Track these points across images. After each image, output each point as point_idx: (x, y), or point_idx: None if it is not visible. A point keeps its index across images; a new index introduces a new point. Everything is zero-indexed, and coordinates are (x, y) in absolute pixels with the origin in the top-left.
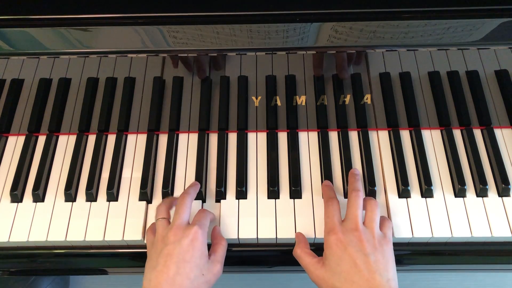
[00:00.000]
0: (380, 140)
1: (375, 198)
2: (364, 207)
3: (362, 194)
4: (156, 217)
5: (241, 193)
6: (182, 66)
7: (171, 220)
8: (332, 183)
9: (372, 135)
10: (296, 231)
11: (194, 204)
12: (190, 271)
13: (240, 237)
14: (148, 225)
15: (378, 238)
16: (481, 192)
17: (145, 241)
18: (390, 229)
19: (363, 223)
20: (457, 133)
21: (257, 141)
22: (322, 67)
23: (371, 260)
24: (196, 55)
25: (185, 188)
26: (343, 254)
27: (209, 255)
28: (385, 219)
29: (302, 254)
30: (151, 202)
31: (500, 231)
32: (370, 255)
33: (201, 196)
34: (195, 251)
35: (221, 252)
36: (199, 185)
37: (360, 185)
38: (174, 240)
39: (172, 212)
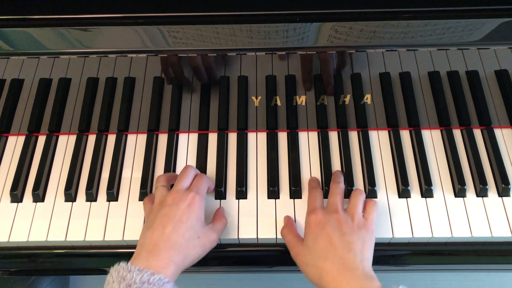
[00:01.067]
0: (380, 140)
1: (376, 198)
2: (350, 197)
3: (342, 186)
4: (155, 185)
5: (241, 193)
6: (182, 67)
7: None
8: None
9: (372, 135)
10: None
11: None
12: (185, 231)
13: (240, 237)
14: None
15: (358, 222)
16: (481, 192)
17: (143, 202)
18: (372, 213)
19: (346, 209)
20: (457, 133)
21: (257, 141)
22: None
23: (347, 239)
24: (196, 55)
25: None
26: (321, 232)
27: (209, 224)
28: (370, 202)
29: (287, 232)
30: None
31: (500, 231)
32: (346, 235)
33: None
34: (192, 214)
35: (220, 225)
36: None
37: (342, 179)
38: (172, 203)
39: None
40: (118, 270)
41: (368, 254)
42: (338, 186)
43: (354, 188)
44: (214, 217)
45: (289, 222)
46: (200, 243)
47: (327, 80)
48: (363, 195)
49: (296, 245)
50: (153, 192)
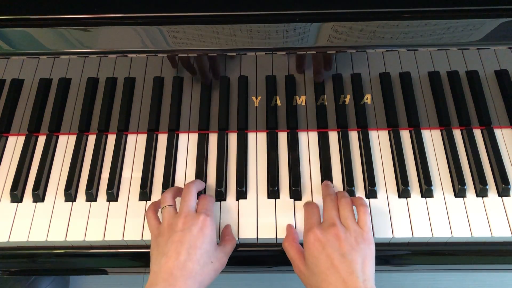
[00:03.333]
0: (380, 140)
1: (376, 198)
2: (338, 206)
3: (335, 198)
4: (161, 205)
5: (241, 193)
6: (182, 67)
7: (177, 208)
8: (332, 183)
9: (372, 135)
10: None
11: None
12: (200, 257)
13: (240, 237)
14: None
15: (355, 234)
16: (481, 192)
17: (145, 213)
18: (366, 221)
19: (341, 223)
20: (457, 133)
21: (257, 141)
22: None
23: (348, 260)
24: (196, 55)
25: None
26: (321, 254)
27: (219, 245)
28: (361, 209)
29: (289, 247)
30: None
31: (500, 231)
32: (347, 255)
33: None
34: (205, 238)
35: (229, 247)
36: (204, 184)
37: (332, 190)
38: (183, 227)
39: (177, 202)
40: None
41: (370, 272)
42: (331, 199)
43: (354, 189)
44: (223, 237)
45: (290, 234)
46: (213, 268)
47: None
48: (349, 201)
49: (298, 263)
50: (154, 203)
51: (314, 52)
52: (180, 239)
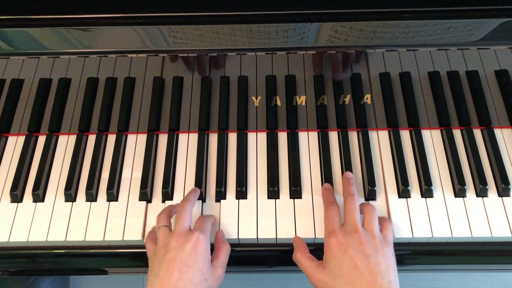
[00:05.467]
0: (380, 140)
1: (376, 198)
2: (362, 212)
3: (357, 198)
4: (157, 226)
5: (241, 193)
6: (183, 66)
7: (172, 228)
8: (332, 184)
9: (372, 135)
10: (296, 231)
11: (194, 206)
12: (193, 276)
13: (240, 237)
14: (148, 225)
15: (378, 240)
16: (481, 192)
17: (144, 241)
18: (390, 231)
19: (363, 225)
20: (457, 133)
21: (257, 141)
22: (322, 66)
23: (372, 262)
24: (196, 55)
25: (185, 189)
26: (344, 256)
27: (212, 260)
28: (386, 221)
29: (302, 258)
30: (151, 202)
31: (500, 231)
32: (371, 257)
33: (201, 196)
34: (198, 256)
35: (223, 258)
36: (199, 191)
37: (354, 189)
38: (176, 246)
39: (172, 220)
40: None
41: (394, 274)
42: (353, 200)
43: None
44: (215, 246)
45: (301, 245)
46: (207, 285)
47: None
48: (376, 211)
49: (317, 272)
50: (153, 229)
51: (314, 52)
52: (172, 258)
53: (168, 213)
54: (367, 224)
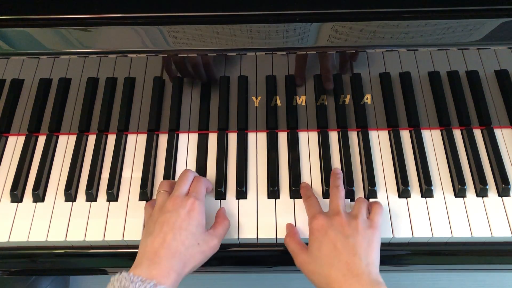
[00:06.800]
0: (380, 140)
1: (376, 198)
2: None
3: (342, 189)
4: (158, 190)
5: (241, 193)
6: (182, 67)
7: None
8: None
9: (372, 135)
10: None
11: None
12: (185, 238)
13: (240, 237)
14: None
15: (361, 221)
16: (481, 192)
17: (144, 207)
18: (378, 214)
19: (350, 212)
20: (457, 133)
21: (257, 141)
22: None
23: (351, 242)
24: (196, 55)
25: None
26: (324, 237)
27: (209, 229)
28: (375, 204)
29: (290, 241)
30: None
31: (500, 231)
32: (349, 237)
33: None
34: (192, 220)
35: (220, 229)
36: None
37: (341, 182)
38: (171, 209)
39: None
40: (120, 280)
41: (374, 257)
42: (338, 190)
43: (354, 189)
44: (215, 220)
45: (291, 230)
46: (200, 250)
47: (326, 76)
48: (366, 202)
49: (300, 253)
50: (155, 197)
51: (314, 52)
52: (167, 220)
53: (172, 183)
54: (354, 210)
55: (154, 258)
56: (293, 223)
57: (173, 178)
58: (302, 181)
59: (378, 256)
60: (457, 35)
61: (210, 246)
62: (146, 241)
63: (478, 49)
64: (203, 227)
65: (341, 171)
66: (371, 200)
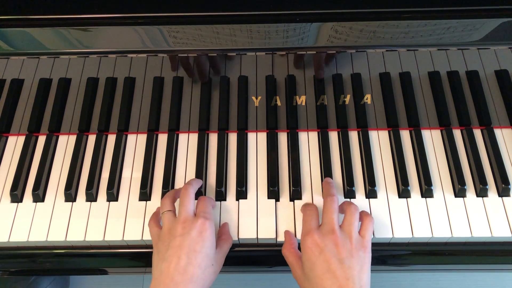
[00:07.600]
0: (380, 140)
1: (376, 198)
2: (344, 211)
3: (336, 199)
4: (161, 210)
5: (241, 193)
6: (182, 67)
7: (176, 213)
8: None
9: (372, 135)
10: (296, 231)
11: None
12: (201, 260)
13: (240, 237)
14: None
15: (355, 242)
16: (481, 192)
17: (148, 224)
18: (369, 231)
19: (342, 226)
20: (457, 133)
21: (257, 141)
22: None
23: (346, 266)
24: (196, 55)
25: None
26: (318, 258)
27: (216, 247)
28: (366, 219)
29: (288, 253)
30: (151, 202)
31: (500, 231)
32: (345, 260)
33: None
34: (205, 242)
35: (226, 247)
36: (201, 181)
37: (334, 190)
38: (183, 232)
39: (176, 206)
40: None
41: (366, 279)
42: (332, 200)
43: (354, 189)
44: (219, 237)
45: (289, 240)
46: (214, 270)
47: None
48: (358, 211)
49: (297, 268)
50: (157, 210)
51: (314, 52)
52: (180, 243)
53: (172, 197)
54: (347, 225)
55: (170, 284)
56: (293, 224)
57: (173, 178)
58: (302, 181)
59: (369, 277)
60: (457, 35)
61: (220, 264)
62: (161, 266)
63: (478, 49)
64: (215, 247)
65: (332, 180)
66: (369, 199)
